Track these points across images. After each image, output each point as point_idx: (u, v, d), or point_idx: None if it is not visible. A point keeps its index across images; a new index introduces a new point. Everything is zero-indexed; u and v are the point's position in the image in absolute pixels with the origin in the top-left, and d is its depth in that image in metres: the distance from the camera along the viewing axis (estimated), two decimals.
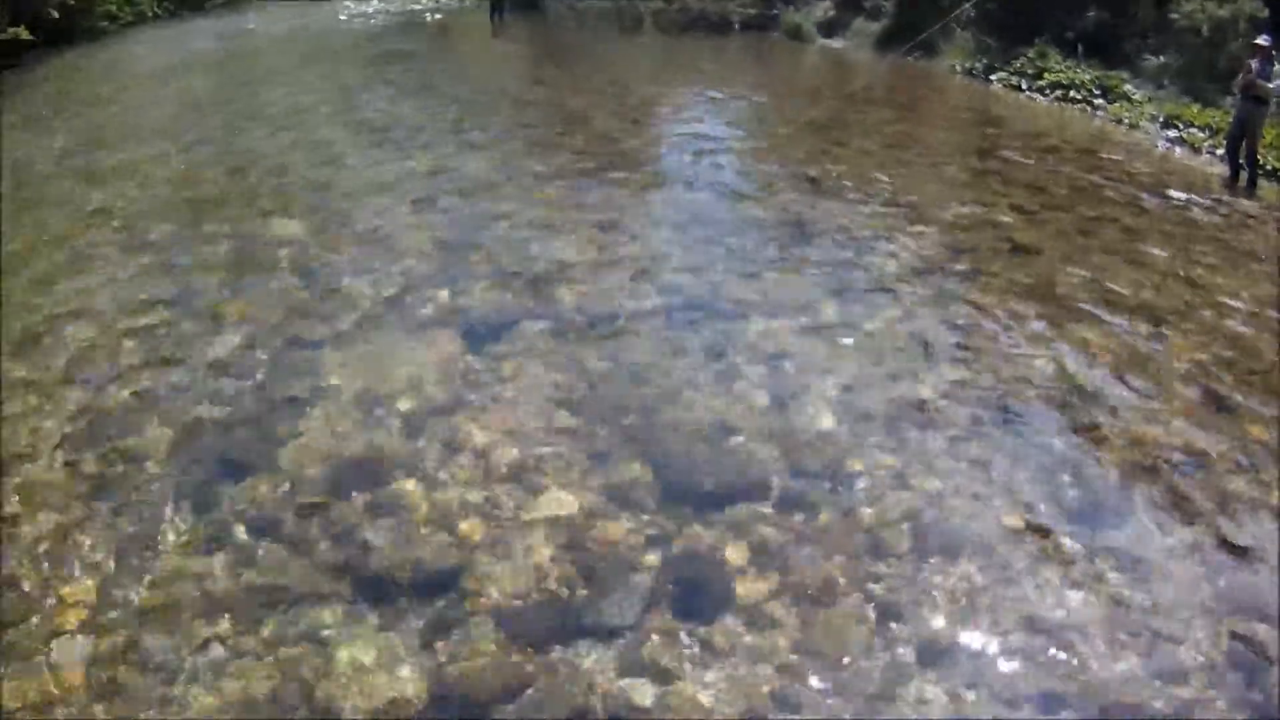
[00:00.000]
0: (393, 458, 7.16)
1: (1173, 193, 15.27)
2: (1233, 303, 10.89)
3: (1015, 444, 7.68)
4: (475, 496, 6.74)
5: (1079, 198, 14.40)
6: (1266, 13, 21.01)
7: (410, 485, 6.85)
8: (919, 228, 12.28)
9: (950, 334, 9.42)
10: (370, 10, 35.97)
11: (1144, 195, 15.01)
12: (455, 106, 18.82)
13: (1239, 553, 6.64)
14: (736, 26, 31.62)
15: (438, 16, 35.24)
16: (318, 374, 8.25)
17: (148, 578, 6.02)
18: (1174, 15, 22.47)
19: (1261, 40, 15.70)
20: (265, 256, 10.76)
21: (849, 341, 9.07)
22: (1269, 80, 15.41)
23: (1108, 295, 10.65)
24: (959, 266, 11.10)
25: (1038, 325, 9.78)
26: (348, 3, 37.16)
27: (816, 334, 9.18)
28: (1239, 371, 9.23)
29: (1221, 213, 14.58)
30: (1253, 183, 16.11)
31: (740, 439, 7.49)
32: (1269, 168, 16.54)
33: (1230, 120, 17.33)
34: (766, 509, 6.72)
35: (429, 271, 10.28)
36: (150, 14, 32.10)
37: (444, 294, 9.75)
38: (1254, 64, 15.64)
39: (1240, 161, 16.35)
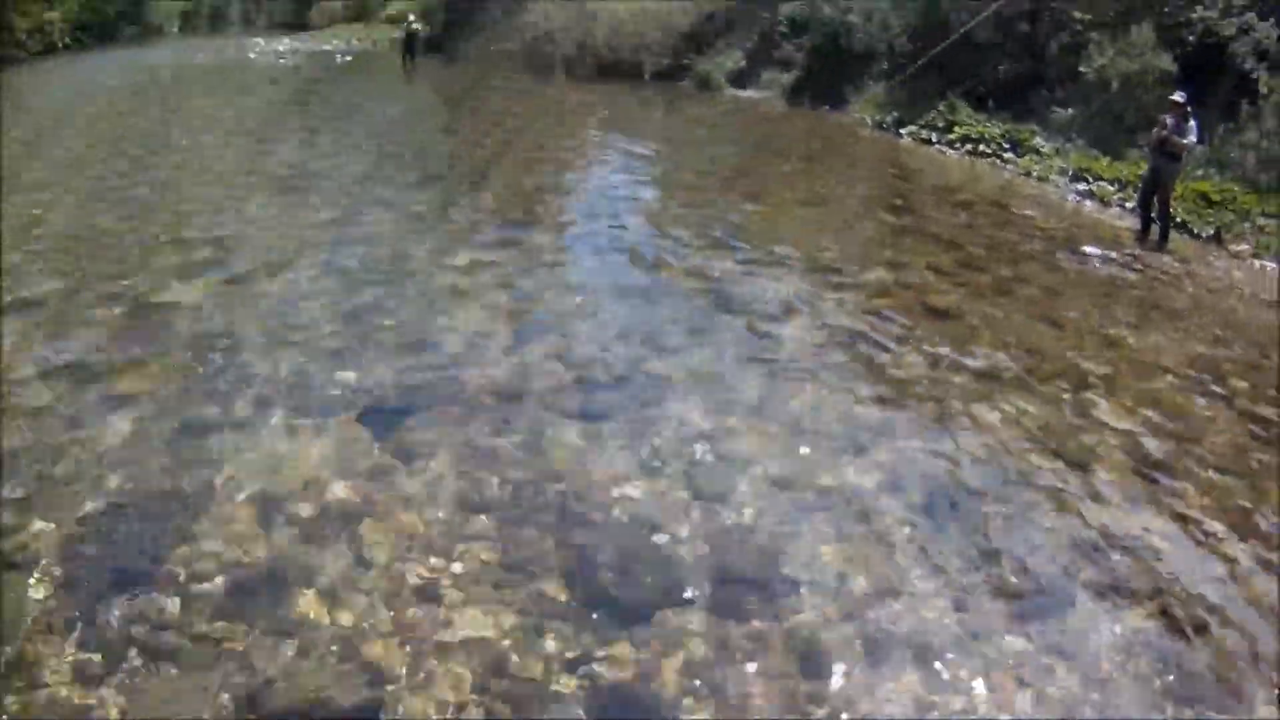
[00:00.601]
0: (294, 570, 6.45)
1: (1087, 249, 15.20)
2: (1155, 364, 10.68)
3: (952, 528, 7.25)
4: (384, 618, 6.08)
5: (994, 255, 14.23)
6: (1175, 68, 21.17)
7: (314, 604, 6.16)
8: (837, 294, 11.92)
9: (876, 412, 9.00)
10: (281, 49, 35.36)
11: (1059, 252, 14.91)
12: (363, 155, 18.23)
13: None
14: (647, 75, 31.40)
15: (348, 59, 34.70)
16: (213, 467, 7.52)
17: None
18: (1083, 69, 22.58)
19: (1177, 97, 15.77)
20: (160, 326, 10.00)
21: (773, 426, 8.57)
22: (1183, 136, 15.43)
23: (1030, 362, 10.36)
24: (879, 335, 10.73)
25: (963, 397, 9.41)
26: (259, 40, 36.48)
27: (739, 415, 8.70)
28: (1166, 439, 8.94)
29: (1136, 268, 14.51)
30: (1164, 236, 16.17)
31: (665, 537, 6.95)
32: (1179, 220, 16.52)
33: (1142, 174, 17.40)
34: (697, 619, 6.18)
35: (333, 346, 9.62)
36: (60, 44, 31.25)
37: (349, 374, 9.09)
38: (1169, 120, 15.69)
39: (1151, 215, 16.34)
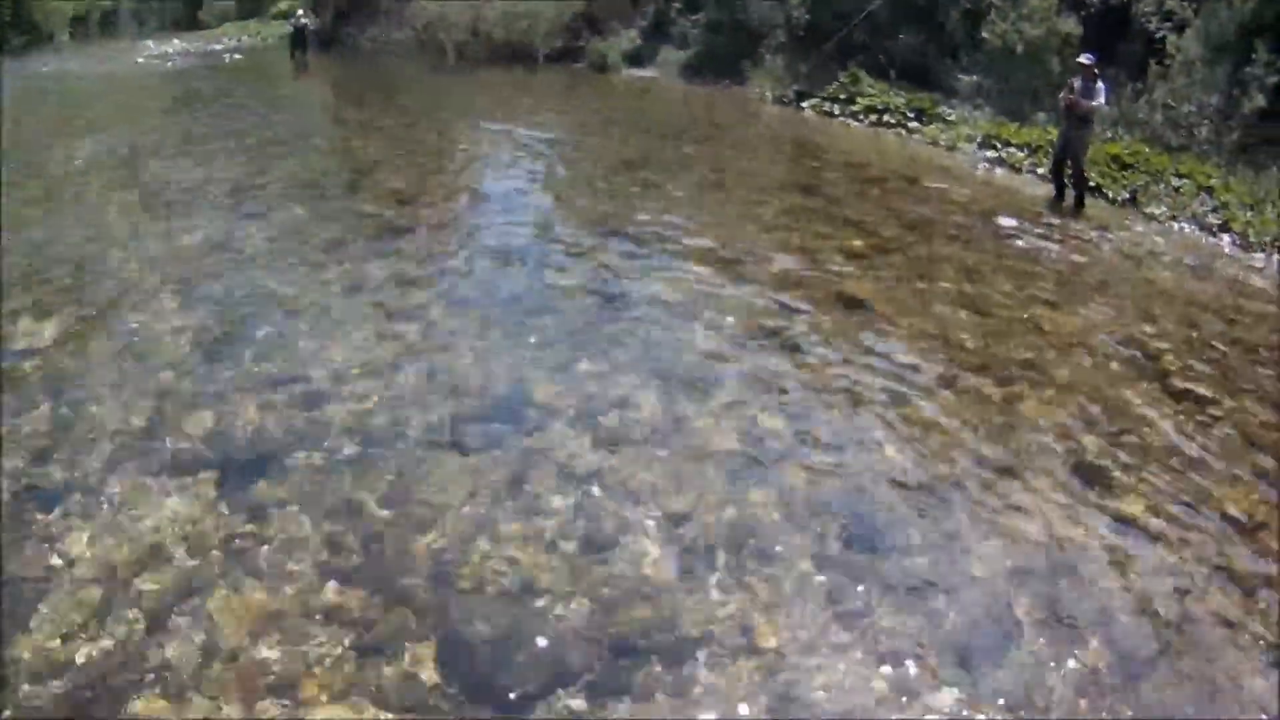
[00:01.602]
0: (135, 666, 5.43)
1: (1002, 220, 14.57)
2: (1082, 345, 10.02)
3: (873, 567, 6.42)
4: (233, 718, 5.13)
5: (908, 235, 13.49)
6: (1081, 30, 20.72)
7: (157, 706, 5.18)
8: (743, 288, 11.02)
9: (786, 426, 8.11)
10: (171, 51, 33.86)
11: (974, 226, 14.23)
12: (239, 162, 16.84)
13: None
14: (541, 58, 30.36)
15: (237, 57, 33.32)
16: (54, 540, 6.45)
17: None
18: (986, 36, 22.03)
19: (1084, 59, 15.23)
20: (7, 373, 8.81)
21: (668, 451, 7.62)
22: (1091, 99, 14.86)
23: (953, 354, 9.62)
24: (789, 332, 9.89)
25: (880, 401, 8.61)
26: (149, 43, 34.96)
27: (632, 441, 7.76)
28: (1102, 433, 8.24)
29: (1054, 239, 13.89)
30: (1080, 202, 15.73)
31: (548, 600, 6.04)
32: (1093, 185, 15.98)
33: (1054, 140, 16.84)
34: (586, 703, 5.28)
35: (190, 390, 8.46)
36: None
37: (205, 418, 8.01)
38: (1077, 83, 15.19)
39: (1065, 181, 15.81)
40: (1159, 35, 19.51)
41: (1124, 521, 7.07)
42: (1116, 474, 7.68)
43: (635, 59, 29.02)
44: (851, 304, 10.72)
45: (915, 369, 9.23)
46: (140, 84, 27.10)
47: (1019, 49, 21.75)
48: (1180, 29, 19.20)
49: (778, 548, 6.52)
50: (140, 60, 31.60)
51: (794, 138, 20.66)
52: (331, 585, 6.09)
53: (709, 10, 27.23)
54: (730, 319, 10.10)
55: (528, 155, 17.95)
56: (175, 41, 35.88)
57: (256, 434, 7.79)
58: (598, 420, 8.01)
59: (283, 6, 40.31)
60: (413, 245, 12.29)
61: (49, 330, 9.66)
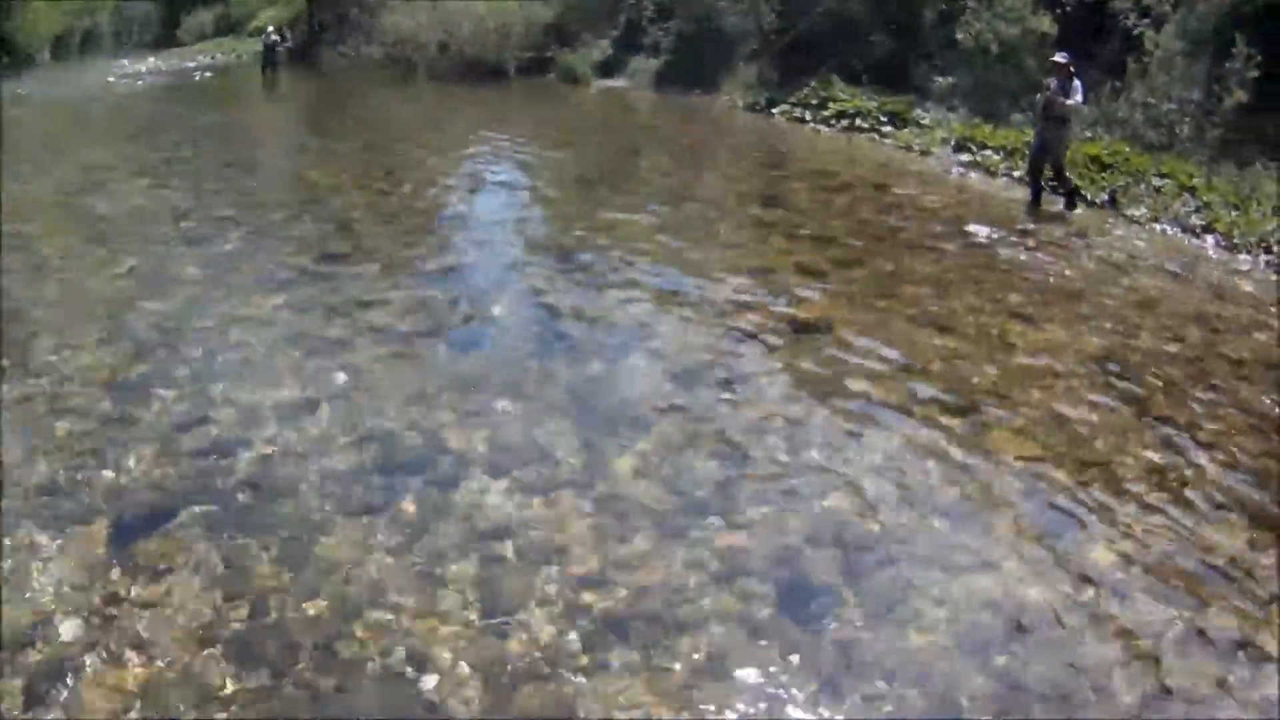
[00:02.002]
0: None
1: (973, 228, 13.79)
2: (1056, 366, 9.20)
3: (803, 641, 5.57)
4: None
5: (873, 247, 12.70)
6: (1056, 29, 20.01)
7: None
8: (687, 315, 10.16)
9: (718, 472, 7.24)
10: (144, 70, 33.15)
11: (943, 235, 13.39)
12: (185, 188, 15.91)
13: None
14: (512, 72, 29.57)
15: (208, 75, 32.56)
16: None
17: None
18: (960, 37, 21.31)
19: (1059, 58, 14.60)
20: None
21: (590, 503, 6.77)
22: (1068, 98, 14.11)
23: (913, 380, 8.80)
24: (734, 365, 9.01)
25: (829, 439, 7.76)
26: (125, 62, 34.22)
27: (551, 493, 6.91)
28: (1073, 468, 7.42)
29: (1029, 246, 13.08)
30: (1070, 204, 15.21)
31: (434, 680, 5.21)
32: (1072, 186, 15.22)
33: (1030, 142, 16.10)
34: None
35: (93, 436, 7.66)
36: None
37: (106, 472, 7.18)
38: (1053, 83, 14.50)
39: (1043, 185, 15.10)
40: (1136, 31, 18.79)
41: (1093, 576, 6.23)
42: (1087, 517, 6.86)
43: (606, 69, 28.28)
44: (805, 328, 9.88)
45: (868, 399, 8.39)
46: (104, 106, 26.29)
47: (994, 49, 21.07)
48: (1158, 24, 18.48)
49: (697, 617, 5.67)
50: (111, 80, 30.84)
51: (761, 146, 19.88)
52: (209, 657, 5.32)
53: (680, 19, 26.44)
54: (670, 352, 9.22)
55: (483, 176, 17.09)
56: (150, 60, 35.24)
57: (154, 485, 7.00)
58: (512, 471, 7.16)
59: (259, 23, 39.54)
60: (349, 274, 11.43)
61: None
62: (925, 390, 8.59)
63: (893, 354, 9.32)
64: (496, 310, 10.31)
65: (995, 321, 10.29)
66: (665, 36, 27.23)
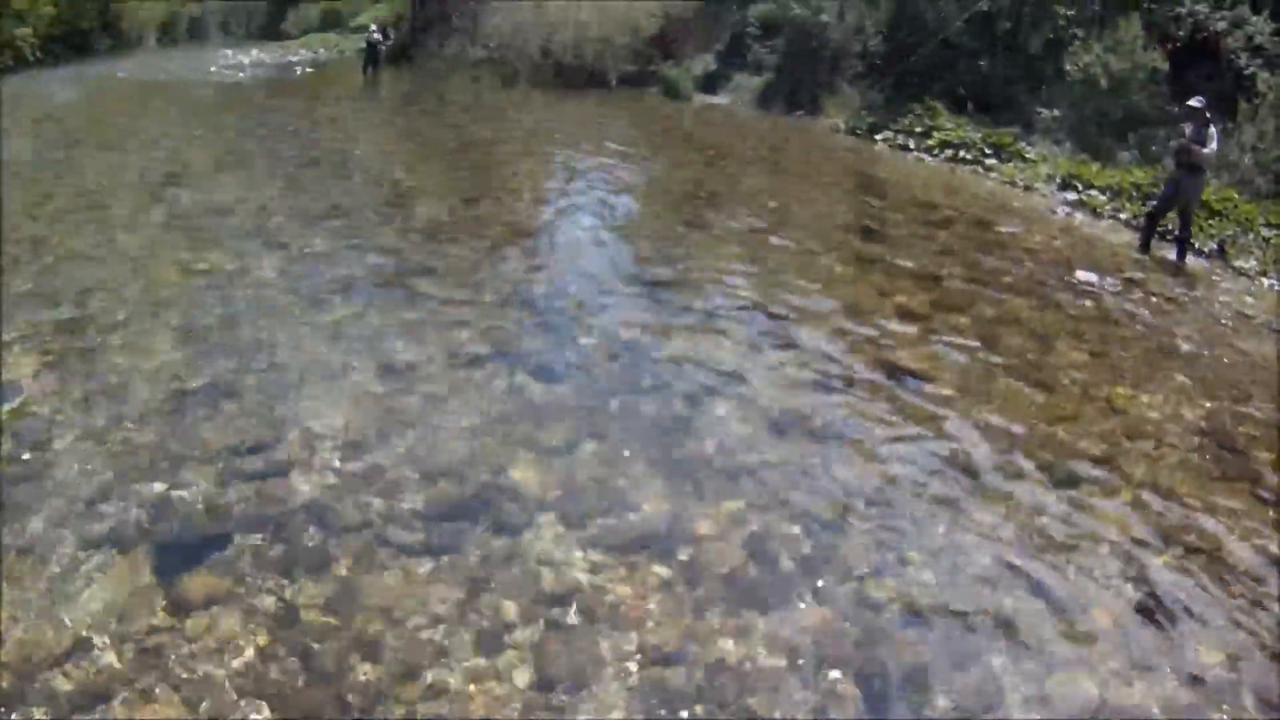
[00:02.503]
0: None
1: (1081, 274, 13.23)
2: (1163, 435, 8.77)
3: None
4: None
5: (976, 290, 12.25)
6: (1167, 65, 19.40)
7: None
8: (780, 358, 9.82)
9: (806, 545, 6.88)
10: (246, 61, 33.44)
11: (1049, 281, 12.93)
12: (276, 185, 15.83)
13: None
14: (614, 82, 29.31)
15: (309, 70, 32.73)
16: None
17: None
18: (1068, 68, 20.75)
19: (1195, 103, 14.09)
20: None
21: (665, 571, 6.45)
22: (1204, 145, 13.59)
23: (1013, 444, 8.43)
24: (826, 415, 8.66)
25: (920, 511, 7.44)
26: (228, 52, 34.59)
27: (624, 552, 6.63)
28: (1178, 554, 7.02)
29: (1135, 297, 12.58)
30: (1182, 255, 14.51)
31: None
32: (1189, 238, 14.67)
33: (1139, 183, 15.63)
34: None
35: (151, 448, 7.57)
36: (30, 58, 29.53)
37: (157, 488, 7.07)
38: (1188, 129, 13.94)
39: (1156, 231, 14.61)
40: (1248, 71, 18.12)
41: (1197, 677, 5.85)
42: (1193, 607, 6.46)
43: (708, 85, 27.90)
44: (903, 377, 9.51)
45: (965, 465, 7.99)
46: (202, 96, 26.32)
47: (1102, 82, 20.45)
48: (1271, 65, 17.78)
49: (774, 707, 5.39)
50: (213, 69, 31.05)
51: (862, 173, 19.35)
52: (247, 706, 5.14)
53: (785, 37, 26.02)
54: (762, 398, 8.88)
55: (577, 190, 16.85)
56: (254, 51, 35.44)
57: (207, 508, 6.86)
58: (587, 523, 6.90)
59: (363, 20, 39.66)
60: (430, 288, 11.25)
61: (29, 366, 8.83)
62: (1026, 460, 8.18)
63: (991, 412, 8.94)
64: (580, 339, 10.05)
65: (1100, 382, 9.84)
66: (769, 55, 26.79)
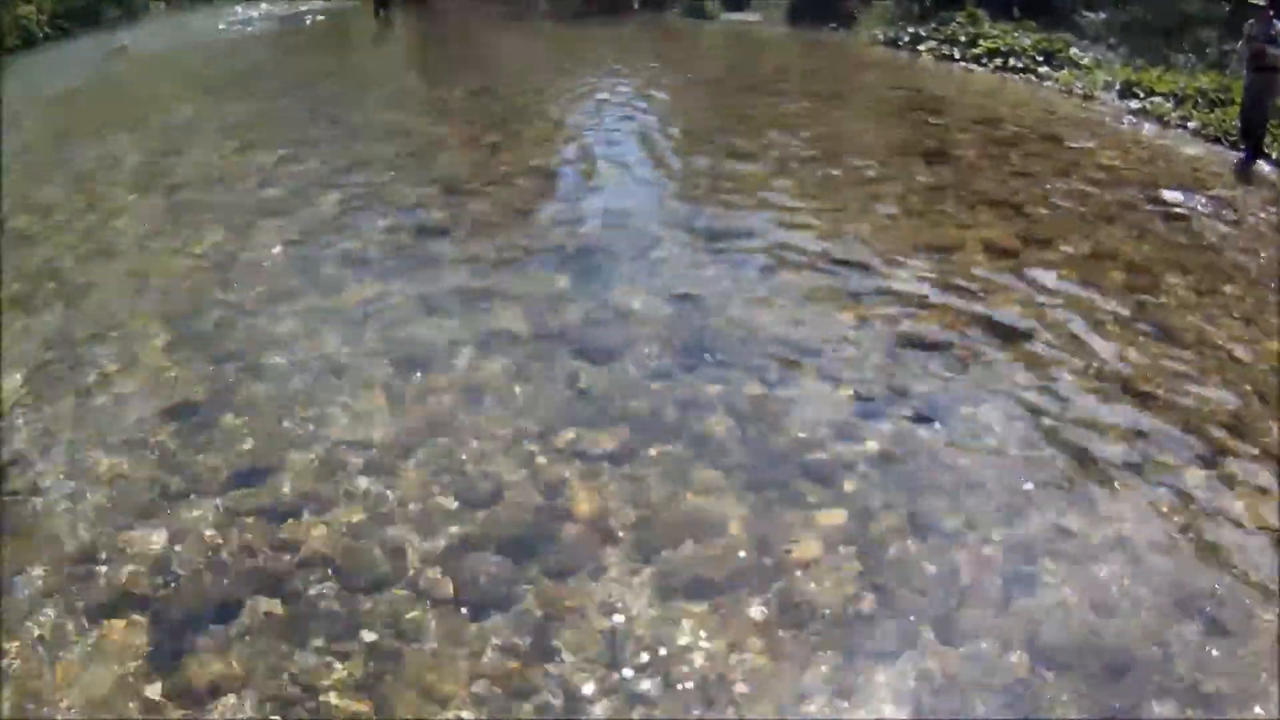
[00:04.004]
0: None
1: (1167, 194, 11.64)
2: None
3: None
4: None
5: (1062, 218, 10.73)
6: None
7: None
8: (860, 310, 8.35)
9: (924, 554, 5.53)
10: (255, 15, 31.66)
11: (1137, 203, 11.32)
12: (281, 146, 14.22)
13: None
14: (635, 5, 27.30)
15: (320, 19, 30.89)
16: None
17: None
18: None
19: (1260, 0, 12.19)
20: None
21: (752, 612, 5.09)
22: (1275, 44, 11.94)
23: (1139, 405, 7.00)
24: (928, 386, 7.21)
25: (1055, 503, 6.04)
26: (237, 7, 32.88)
27: (709, 593, 5.24)
28: None
29: (1231, 219, 10.97)
30: (1250, 158, 12.93)
31: None
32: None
33: (1204, 89, 14.28)
34: None
35: (145, 484, 6.28)
36: (41, 35, 28.02)
37: (153, 534, 5.78)
38: (1256, 29, 12.19)
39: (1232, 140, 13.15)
40: None
41: None
42: None
43: (735, 2, 25.90)
44: (1006, 335, 8.01)
45: (1091, 444, 6.55)
46: (205, 56, 24.51)
47: None
48: None
49: None
50: (221, 26, 29.25)
51: (912, 88, 17.48)
52: None
53: None
54: (845, 369, 7.43)
55: (605, 129, 15.11)
56: (263, 5, 33.52)
57: (210, 561, 5.64)
58: (658, 555, 5.50)
59: None
60: (453, 254, 9.80)
61: (11, 381, 7.50)
62: (1156, 427, 6.79)
63: (1112, 370, 7.48)
64: (626, 305, 8.58)
65: (1216, 323, 8.33)
66: None
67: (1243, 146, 13.25)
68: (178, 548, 5.68)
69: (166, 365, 7.75)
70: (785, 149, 13.36)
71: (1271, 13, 12.38)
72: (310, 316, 8.50)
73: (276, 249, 10.03)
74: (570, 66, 20.77)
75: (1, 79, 20.81)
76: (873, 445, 6.44)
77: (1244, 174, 12.78)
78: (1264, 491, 6.11)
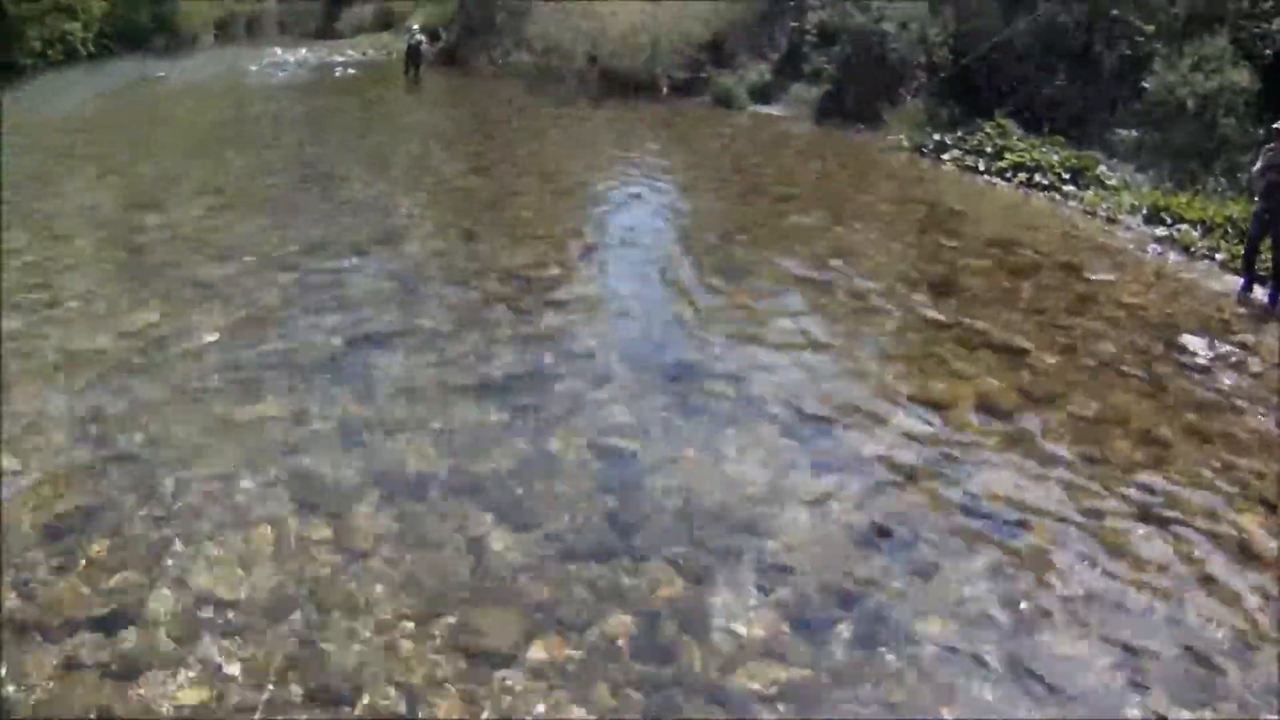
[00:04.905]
0: None
1: (1186, 340, 10.79)
2: None
3: None
4: None
5: (1070, 369, 9.90)
6: (1260, 85, 16.72)
7: None
8: (826, 485, 7.46)
9: None
10: (291, 60, 31.54)
11: (1154, 351, 10.52)
12: (257, 212, 13.81)
13: None
14: (665, 90, 26.66)
15: (350, 71, 30.60)
16: None
17: None
18: (1148, 86, 18.13)
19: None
20: None
21: None
22: None
23: (1135, 627, 6.09)
24: (876, 596, 6.31)
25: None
26: (277, 49, 32.81)
27: None
28: None
29: (1252, 371, 10.11)
30: (1274, 300, 12.09)
31: None
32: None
33: (1233, 218, 13.46)
34: None
35: None
36: (84, 52, 28.73)
37: None
38: (1273, 152, 11.48)
39: (1256, 270, 12.46)
40: None
41: None
42: None
43: (763, 95, 25.17)
44: (985, 529, 7.09)
45: (1077, 675, 5.64)
46: (237, 98, 24.39)
47: (1189, 104, 17.75)
48: None
49: None
50: (253, 69, 29.12)
51: (930, 202, 16.66)
52: None
53: (844, 46, 23.35)
54: (789, 566, 6.50)
55: (589, 225, 14.52)
56: (302, 51, 33.53)
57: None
58: None
59: (412, 21, 37.39)
60: (384, 370, 9.08)
61: None
62: (1153, 647, 5.81)
63: (1104, 563, 6.61)
64: (562, 454, 7.79)
65: (1236, 510, 7.44)
66: (828, 64, 24.06)
67: (1242, 273, 12.59)
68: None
69: (56, 467, 7.09)
70: (780, 269, 12.54)
71: None
72: (216, 430, 7.81)
73: (209, 338, 9.46)
74: (579, 151, 20.24)
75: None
76: (798, 674, 5.50)
77: (1247, 305, 12.14)
78: None
